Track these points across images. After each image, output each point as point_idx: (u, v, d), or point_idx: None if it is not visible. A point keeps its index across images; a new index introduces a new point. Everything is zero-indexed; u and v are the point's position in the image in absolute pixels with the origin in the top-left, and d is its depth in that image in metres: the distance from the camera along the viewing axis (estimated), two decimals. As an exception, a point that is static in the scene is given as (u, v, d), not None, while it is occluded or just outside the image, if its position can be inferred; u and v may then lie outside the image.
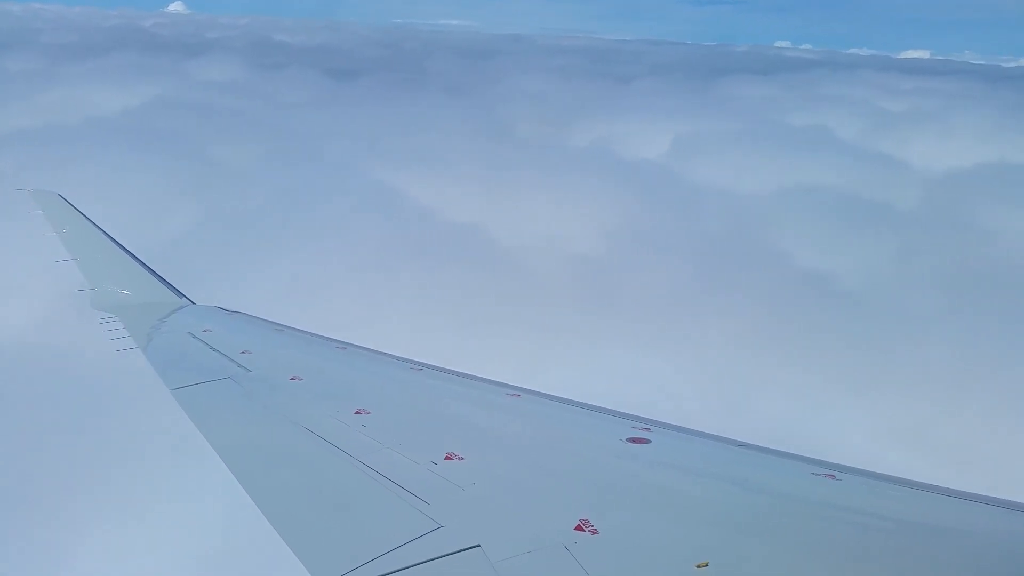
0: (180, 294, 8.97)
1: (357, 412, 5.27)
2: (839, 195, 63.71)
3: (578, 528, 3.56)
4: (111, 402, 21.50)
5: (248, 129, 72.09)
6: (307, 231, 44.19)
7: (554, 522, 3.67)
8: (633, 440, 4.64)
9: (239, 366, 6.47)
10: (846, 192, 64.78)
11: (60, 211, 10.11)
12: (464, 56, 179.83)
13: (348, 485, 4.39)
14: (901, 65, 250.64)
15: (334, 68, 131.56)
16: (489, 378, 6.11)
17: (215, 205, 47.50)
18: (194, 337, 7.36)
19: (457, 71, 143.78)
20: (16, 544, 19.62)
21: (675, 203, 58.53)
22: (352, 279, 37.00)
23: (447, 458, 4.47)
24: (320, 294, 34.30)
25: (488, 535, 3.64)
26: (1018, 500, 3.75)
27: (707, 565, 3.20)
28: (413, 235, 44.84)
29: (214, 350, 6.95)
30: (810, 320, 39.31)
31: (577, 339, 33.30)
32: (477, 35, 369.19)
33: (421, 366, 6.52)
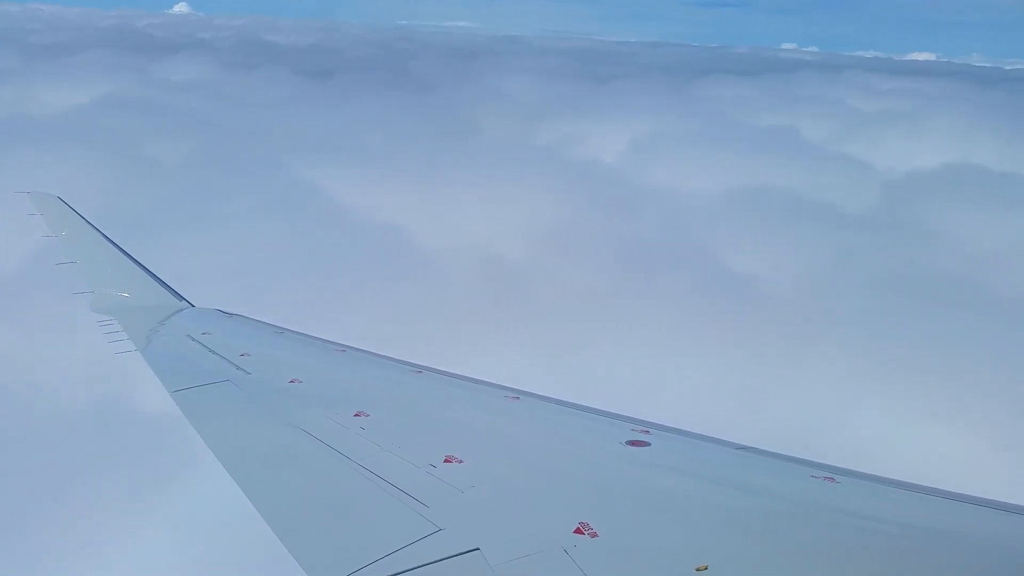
0: (180, 297, 8.89)
1: (356, 415, 5.23)
2: (786, 196, 63.58)
3: (577, 531, 3.54)
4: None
5: (190, 128, 71.62)
6: (204, 227, 43.28)
7: (554, 525, 3.64)
8: (632, 443, 4.61)
9: (238, 368, 6.42)
10: (794, 193, 64.72)
11: (59, 213, 10.09)
12: (453, 57, 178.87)
13: (347, 488, 4.36)
14: (902, 67, 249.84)
15: (311, 68, 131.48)
16: (488, 381, 6.10)
17: (116, 201, 45.31)
18: (193, 340, 7.29)
19: (438, 71, 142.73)
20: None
21: (610, 202, 58.68)
22: (241, 278, 35.63)
23: (446, 461, 4.44)
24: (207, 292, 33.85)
25: (487, 538, 3.61)
26: (1016, 503, 3.73)
27: (707, 568, 3.18)
28: (317, 233, 44.33)
29: (213, 353, 6.89)
30: (728, 321, 38.34)
31: (466, 340, 32.61)
32: (476, 36, 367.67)
33: (420, 369, 6.49)
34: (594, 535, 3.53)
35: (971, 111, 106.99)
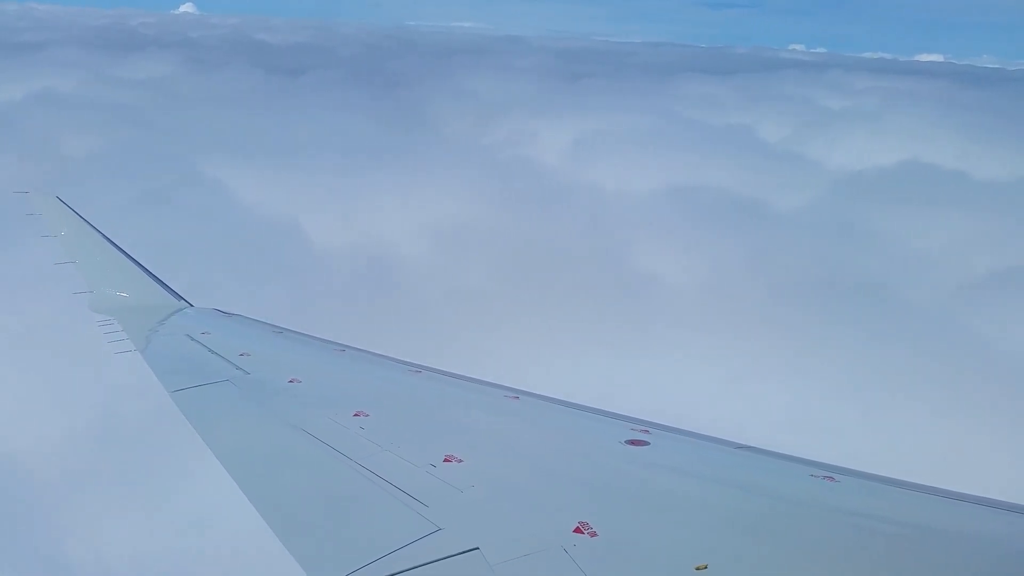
0: (179, 297, 8.84)
1: (356, 414, 5.20)
2: (715, 194, 62.31)
3: (577, 530, 3.52)
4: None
5: (113, 124, 69.78)
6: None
7: (553, 524, 3.62)
8: (632, 442, 4.58)
9: (237, 368, 6.39)
10: (725, 191, 63.46)
11: (58, 213, 10.03)
12: (440, 56, 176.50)
13: (347, 488, 4.32)
14: (901, 67, 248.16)
15: (284, 66, 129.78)
16: (488, 380, 6.08)
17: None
18: (192, 339, 7.28)
19: (415, 70, 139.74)
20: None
21: (527, 200, 57.43)
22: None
23: (446, 460, 4.41)
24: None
25: (487, 537, 3.59)
26: (1016, 502, 3.70)
27: (706, 567, 3.17)
28: (195, 229, 42.87)
29: (213, 352, 6.87)
30: (617, 318, 37.69)
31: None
32: (476, 36, 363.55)
33: (420, 368, 6.47)
34: (593, 534, 3.50)
35: (943, 110, 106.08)
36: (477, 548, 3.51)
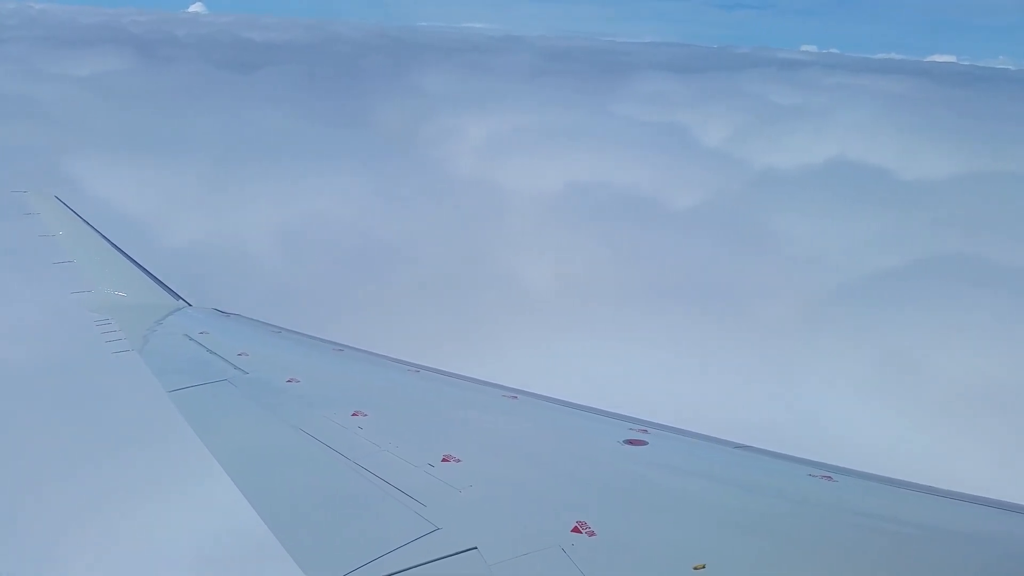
0: (177, 296, 8.76)
1: (354, 414, 5.15)
2: (607, 192, 59.91)
3: (575, 530, 3.49)
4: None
5: (27, 119, 67.77)
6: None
7: (551, 524, 3.58)
8: (630, 442, 4.55)
9: (236, 368, 6.33)
10: (619, 189, 61.12)
11: (56, 212, 10.03)
12: (418, 53, 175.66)
13: (345, 487, 4.27)
14: (903, 67, 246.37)
15: (240, 62, 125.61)
16: (486, 380, 6.03)
17: None
18: (191, 339, 7.21)
19: (377, 66, 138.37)
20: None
21: (410, 195, 55.87)
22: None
23: (444, 460, 4.36)
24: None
25: (485, 537, 3.55)
26: (1015, 501, 3.69)
27: (704, 567, 3.15)
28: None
29: (211, 352, 6.81)
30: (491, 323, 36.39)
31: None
32: (478, 35, 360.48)
33: (418, 368, 6.42)
34: (592, 534, 3.47)
35: (901, 109, 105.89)
36: (475, 548, 3.47)
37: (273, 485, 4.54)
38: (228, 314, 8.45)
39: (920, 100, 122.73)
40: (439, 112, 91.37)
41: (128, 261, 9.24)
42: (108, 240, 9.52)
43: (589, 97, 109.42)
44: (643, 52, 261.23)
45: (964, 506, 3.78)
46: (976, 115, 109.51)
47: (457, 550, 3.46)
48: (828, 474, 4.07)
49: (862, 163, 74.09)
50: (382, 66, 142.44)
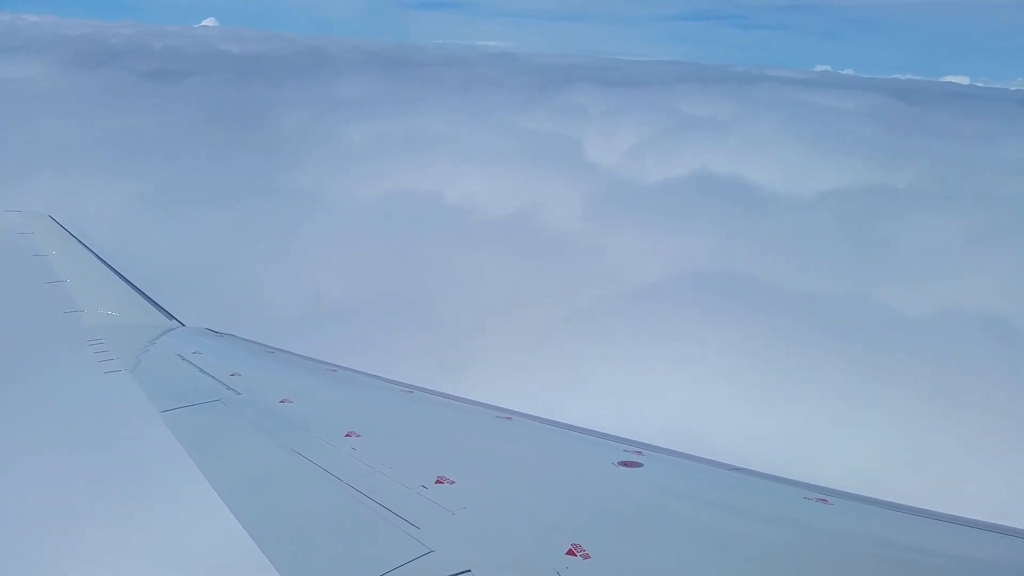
0: (170, 316, 8.68)
1: (347, 435, 5.09)
2: (435, 203, 60.08)
3: (570, 553, 3.47)
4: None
5: None
6: None
7: (546, 547, 3.57)
8: (625, 464, 4.56)
9: (228, 388, 6.27)
10: (449, 200, 61.38)
11: (49, 232, 9.98)
12: (370, 67, 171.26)
13: (338, 509, 4.21)
14: (897, 86, 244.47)
15: (170, 71, 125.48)
16: (480, 401, 5.99)
17: None
18: (183, 359, 7.15)
19: (310, 81, 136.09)
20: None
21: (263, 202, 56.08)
22: None
23: (438, 482, 4.32)
24: None
25: (479, 560, 3.52)
26: (1011, 525, 3.71)
27: None
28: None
29: (203, 372, 6.75)
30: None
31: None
32: (475, 53, 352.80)
33: (412, 389, 6.38)
34: (586, 557, 3.44)
35: (839, 125, 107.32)
36: (469, 571, 3.42)
37: (266, 507, 4.45)
38: (221, 334, 8.34)
39: (869, 116, 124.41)
40: (320, 119, 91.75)
41: (121, 281, 9.11)
42: (101, 260, 9.40)
43: (499, 109, 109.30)
44: (629, 69, 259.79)
45: (961, 530, 3.75)
46: (924, 133, 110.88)
47: (451, 573, 3.41)
48: (824, 497, 4.05)
49: (726, 177, 73.92)
50: (312, 79, 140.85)
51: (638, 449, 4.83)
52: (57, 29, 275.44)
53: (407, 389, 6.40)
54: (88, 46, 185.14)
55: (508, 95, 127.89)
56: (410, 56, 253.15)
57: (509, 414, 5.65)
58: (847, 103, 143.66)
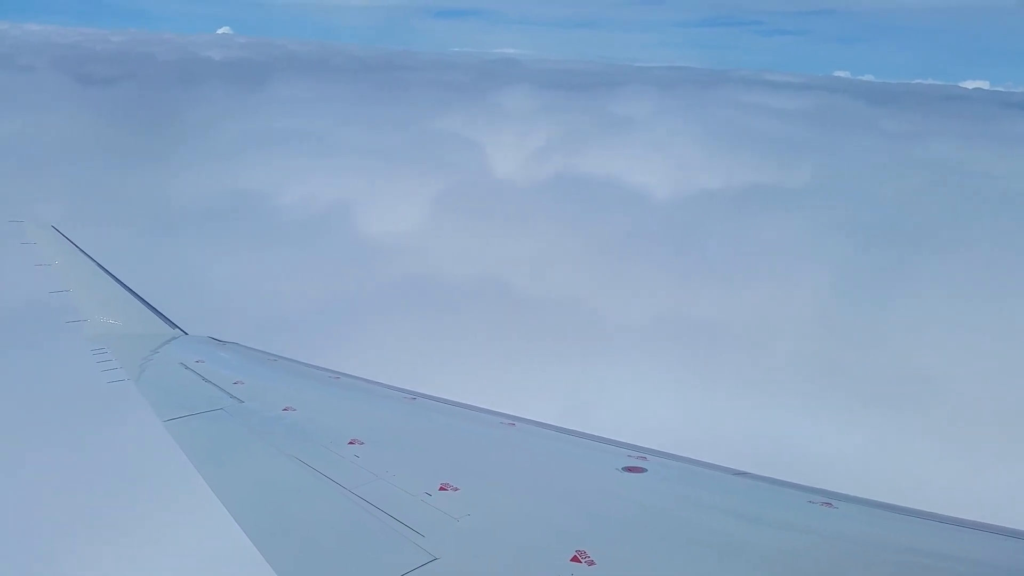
0: (173, 324, 8.67)
1: (351, 443, 5.11)
2: (270, 203, 60.42)
3: (575, 559, 3.46)
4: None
5: None
6: None
7: (550, 553, 3.56)
8: (629, 469, 4.55)
9: (232, 397, 6.27)
10: (290, 199, 61.76)
11: (53, 242, 10.00)
12: (327, 71, 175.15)
13: (342, 517, 4.21)
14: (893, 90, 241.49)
15: (111, 75, 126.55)
16: (483, 407, 5.99)
17: None
18: (186, 368, 7.12)
19: (266, 84, 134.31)
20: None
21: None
22: None
23: (441, 489, 4.32)
24: None
25: (484, 567, 3.56)
26: (1018, 528, 3.68)
27: None
28: None
29: (207, 381, 6.74)
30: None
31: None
32: (477, 60, 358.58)
33: (415, 395, 6.39)
34: (591, 563, 3.43)
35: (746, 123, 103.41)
36: None
37: (269, 515, 4.42)
38: (224, 342, 8.31)
39: (810, 117, 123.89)
40: (209, 121, 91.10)
41: (124, 290, 9.08)
42: (104, 269, 9.39)
43: (419, 111, 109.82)
44: (620, 73, 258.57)
45: (966, 532, 3.72)
46: (866, 133, 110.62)
47: None
48: (829, 501, 4.03)
49: (592, 178, 73.64)
50: (251, 82, 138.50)
51: (642, 454, 4.79)
52: (49, 38, 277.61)
53: (410, 396, 6.37)
54: (56, 52, 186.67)
55: (443, 97, 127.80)
56: (391, 61, 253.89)
57: (512, 420, 5.61)
58: (810, 104, 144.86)
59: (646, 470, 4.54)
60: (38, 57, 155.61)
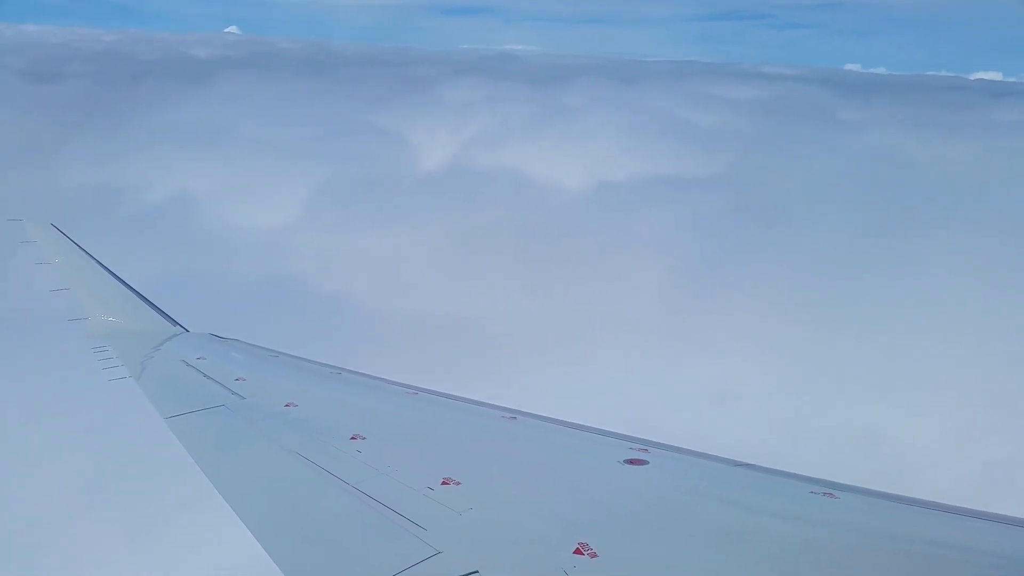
0: (174, 322, 8.75)
1: (352, 438, 5.15)
2: (116, 196, 59.86)
3: (577, 552, 3.50)
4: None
5: None
6: None
7: (553, 546, 3.59)
8: (631, 461, 4.60)
9: (233, 393, 6.34)
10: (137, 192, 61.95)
11: (53, 240, 10.11)
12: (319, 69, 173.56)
13: (344, 512, 4.25)
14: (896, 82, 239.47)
15: (55, 72, 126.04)
16: (485, 401, 6.04)
17: None
18: (188, 365, 7.19)
19: (217, 83, 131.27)
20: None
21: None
22: None
23: (444, 483, 4.37)
24: None
25: (487, 560, 3.55)
26: (1018, 516, 3.72)
27: None
28: None
29: (208, 378, 6.80)
30: None
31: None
32: (475, 55, 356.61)
33: (416, 390, 6.43)
34: (594, 555, 3.47)
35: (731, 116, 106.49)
36: (477, 572, 3.44)
37: (272, 511, 4.46)
38: (225, 339, 8.37)
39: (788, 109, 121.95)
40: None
41: (125, 288, 9.14)
42: (105, 267, 9.44)
43: (351, 105, 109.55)
44: (616, 68, 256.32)
45: (967, 521, 3.78)
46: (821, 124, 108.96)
47: (459, 574, 3.41)
48: (830, 491, 4.07)
49: (487, 170, 73.64)
50: (219, 79, 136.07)
51: (644, 447, 4.81)
52: (39, 38, 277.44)
53: (411, 391, 6.39)
54: (34, 52, 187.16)
55: (390, 91, 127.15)
56: (376, 57, 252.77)
57: (514, 414, 5.64)
58: (768, 94, 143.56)
59: (648, 462, 4.56)
60: (10, 57, 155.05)
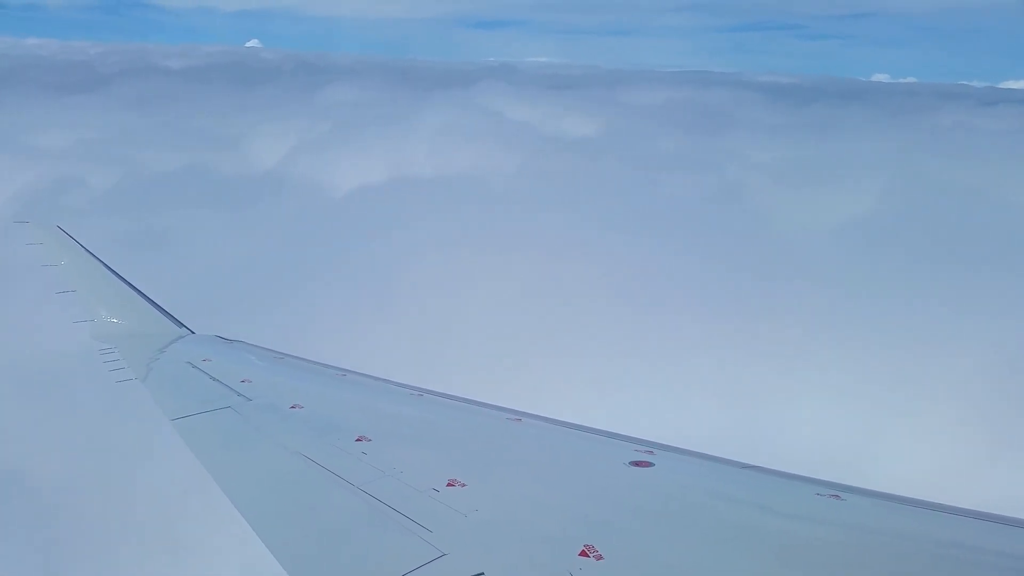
0: (179, 324, 8.73)
1: (358, 440, 5.16)
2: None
3: (583, 554, 3.49)
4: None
5: None
6: None
7: (558, 548, 3.60)
8: (636, 463, 4.60)
9: (239, 395, 6.33)
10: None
11: (58, 242, 10.07)
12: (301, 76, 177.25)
13: (350, 514, 4.25)
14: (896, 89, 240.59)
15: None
16: (490, 403, 6.04)
17: None
18: (193, 367, 7.19)
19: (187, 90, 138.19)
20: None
21: None
22: None
23: (449, 485, 4.37)
24: None
25: (492, 562, 3.55)
26: (1020, 517, 3.68)
27: None
28: None
29: (214, 379, 6.80)
30: None
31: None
32: (477, 65, 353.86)
33: (422, 392, 6.42)
34: (599, 558, 3.47)
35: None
36: (482, 573, 3.44)
37: (278, 513, 4.45)
38: (231, 341, 8.38)
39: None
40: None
41: (131, 290, 9.12)
42: (111, 269, 9.40)
43: (294, 108, 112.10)
44: (605, 78, 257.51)
45: (973, 523, 3.76)
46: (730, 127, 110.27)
47: None
48: (836, 493, 4.06)
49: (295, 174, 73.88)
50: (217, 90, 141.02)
51: (649, 449, 4.80)
52: (32, 51, 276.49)
53: (417, 392, 6.39)
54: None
55: (291, 97, 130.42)
56: (352, 68, 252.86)
57: (519, 416, 5.64)
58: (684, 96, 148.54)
59: (653, 464, 4.55)
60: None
